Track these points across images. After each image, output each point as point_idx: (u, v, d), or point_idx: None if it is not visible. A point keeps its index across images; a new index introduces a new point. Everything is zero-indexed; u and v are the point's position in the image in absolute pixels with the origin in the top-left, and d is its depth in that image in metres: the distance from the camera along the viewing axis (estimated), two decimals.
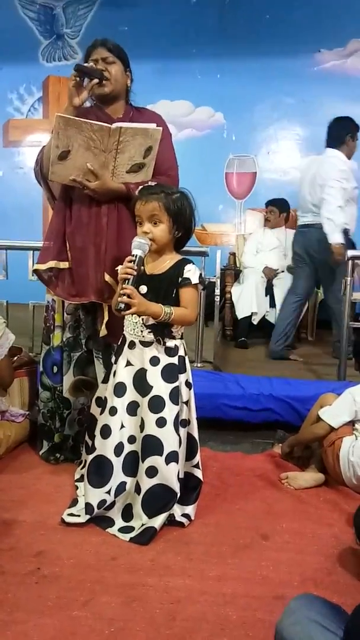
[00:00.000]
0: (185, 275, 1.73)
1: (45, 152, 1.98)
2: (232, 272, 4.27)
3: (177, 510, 1.77)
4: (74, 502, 1.84)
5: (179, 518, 1.76)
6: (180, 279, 1.73)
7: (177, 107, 5.14)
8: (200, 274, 1.80)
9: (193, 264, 1.78)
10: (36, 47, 5.35)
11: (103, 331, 2.01)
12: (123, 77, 2.03)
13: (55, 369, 2.16)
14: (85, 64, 1.96)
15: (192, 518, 1.78)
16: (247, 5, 4.94)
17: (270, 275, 4.03)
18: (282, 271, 4.08)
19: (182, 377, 1.78)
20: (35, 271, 2.11)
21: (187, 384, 1.82)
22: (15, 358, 2.44)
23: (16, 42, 5.27)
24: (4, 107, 5.44)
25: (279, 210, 4.26)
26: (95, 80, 1.93)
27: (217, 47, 5.00)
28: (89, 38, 2.08)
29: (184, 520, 1.76)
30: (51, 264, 2.04)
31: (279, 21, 4.88)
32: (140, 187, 1.76)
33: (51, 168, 1.92)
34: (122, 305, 1.62)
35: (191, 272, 1.74)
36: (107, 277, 1.95)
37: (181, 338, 1.81)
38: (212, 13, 5.01)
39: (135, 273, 1.65)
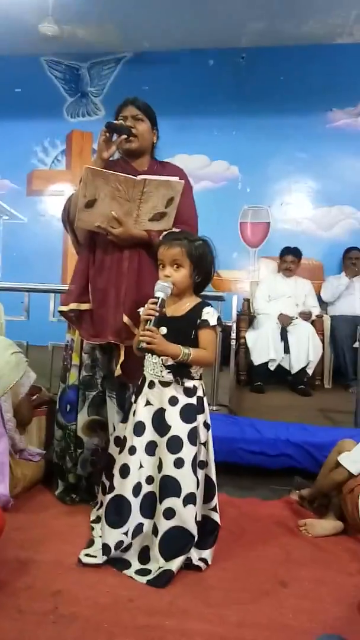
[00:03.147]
0: (204, 317, 1.79)
1: (73, 200, 2.08)
2: (247, 317, 4.32)
3: (194, 554, 1.75)
4: (91, 542, 1.83)
5: (196, 562, 1.73)
6: (198, 321, 1.78)
7: (194, 161, 5.36)
8: (219, 317, 1.85)
9: (211, 306, 1.84)
10: (61, 104, 5.65)
11: (118, 371, 2.03)
12: (150, 135, 2.15)
13: (69, 407, 2.17)
14: (115, 121, 2.07)
15: (209, 562, 1.76)
16: (262, 67, 5.22)
17: (285, 322, 4.07)
18: (296, 317, 4.13)
19: (201, 418, 1.80)
20: (60, 311, 2.17)
21: (205, 425, 1.83)
22: (35, 397, 2.48)
23: (43, 98, 5.58)
24: (29, 158, 5.71)
25: (298, 259, 4.35)
26: (124, 136, 2.04)
27: (233, 105, 5.26)
28: (112, 96, 2.24)
29: (201, 564, 1.73)
30: (72, 306, 2.10)
31: (292, 81, 5.15)
32: (165, 232, 1.84)
33: (78, 215, 2.01)
34: (144, 345, 1.68)
35: (209, 315, 1.79)
36: (125, 319, 1.99)
37: (200, 379, 1.84)
38: (228, 73, 5.30)
39: (157, 314, 1.70)
